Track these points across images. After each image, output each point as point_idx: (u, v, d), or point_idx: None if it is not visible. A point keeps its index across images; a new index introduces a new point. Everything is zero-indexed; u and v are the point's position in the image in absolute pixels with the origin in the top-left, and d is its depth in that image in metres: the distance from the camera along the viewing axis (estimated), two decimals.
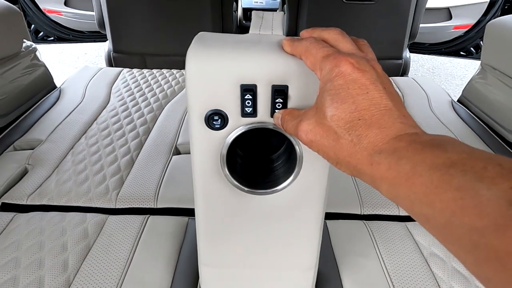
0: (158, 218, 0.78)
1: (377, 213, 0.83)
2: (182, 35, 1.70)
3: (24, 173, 0.92)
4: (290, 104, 0.38)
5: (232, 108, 0.38)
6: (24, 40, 1.26)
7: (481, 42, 2.71)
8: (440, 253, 0.71)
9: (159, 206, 0.83)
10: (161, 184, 0.87)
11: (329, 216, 0.80)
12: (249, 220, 0.48)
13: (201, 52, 0.37)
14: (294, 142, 0.40)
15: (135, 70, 1.49)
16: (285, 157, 0.45)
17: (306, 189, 0.45)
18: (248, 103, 0.37)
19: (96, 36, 2.86)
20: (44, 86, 1.32)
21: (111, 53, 1.78)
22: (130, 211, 0.81)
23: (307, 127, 0.31)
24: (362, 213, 0.83)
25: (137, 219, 0.77)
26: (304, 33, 0.36)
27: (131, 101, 1.26)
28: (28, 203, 0.82)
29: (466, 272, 0.67)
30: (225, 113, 0.38)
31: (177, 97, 1.30)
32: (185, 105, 1.25)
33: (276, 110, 0.37)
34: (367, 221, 0.79)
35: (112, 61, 1.78)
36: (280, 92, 0.36)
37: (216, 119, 0.38)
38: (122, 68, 1.50)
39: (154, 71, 1.49)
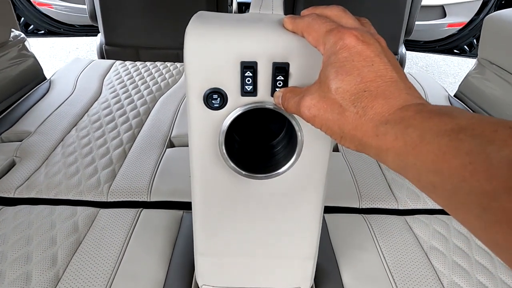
0: (151, 212, 0.76)
1: (375, 206, 0.82)
2: (176, 27, 1.66)
3: (11, 165, 0.89)
4: (291, 82, 0.37)
5: (231, 87, 0.37)
6: (12, 29, 1.22)
7: (474, 40, 2.73)
8: (440, 247, 0.70)
9: (153, 199, 0.80)
10: (154, 177, 0.85)
11: (327, 209, 0.79)
12: (247, 206, 0.47)
13: (201, 29, 0.36)
14: (294, 124, 0.38)
15: (128, 63, 1.45)
16: (285, 141, 0.44)
17: (306, 174, 0.44)
18: (248, 80, 0.36)
19: (87, 30, 2.81)
20: (34, 77, 1.28)
21: (103, 45, 1.74)
22: (123, 205, 0.79)
23: (310, 102, 0.30)
24: (360, 207, 0.81)
25: (130, 212, 0.75)
26: (305, 11, 0.35)
27: (123, 93, 1.22)
28: (16, 196, 0.79)
29: (467, 265, 0.66)
30: (224, 92, 0.37)
31: (171, 90, 1.27)
32: (180, 97, 1.22)
33: (277, 89, 0.36)
34: (366, 215, 0.78)
35: (104, 54, 1.74)
36: (281, 70, 0.35)
37: (215, 98, 0.37)
38: (115, 60, 1.46)
39: (148, 63, 1.46)
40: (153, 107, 1.16)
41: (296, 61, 0.36)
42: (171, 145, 1.00)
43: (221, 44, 0.35)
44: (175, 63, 1.47)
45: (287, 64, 0.36)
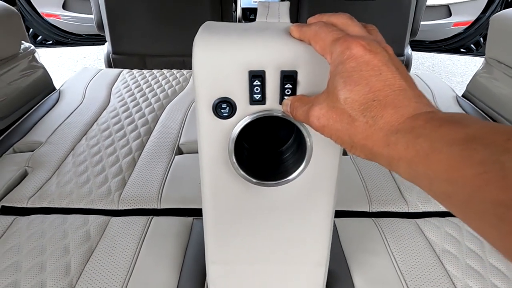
0: (162, 219, 0.76)
1: (386, 210, 0.81)
2: (182, 35, 1.68)
3: (24, 175, 0.90)
4: (299, 90, 0.37)
5: (240, 96, 0.37)
6: (23, 41, 1.24)
7: (481, 39, 2.70)
8: (452, 250, 0.69)
9: (163, 206, 0.81)
10: (164, 184, 0.86)
11: (337, 214, 0.78)
12: (258, 213, 0.47)
13: (209, 39, 0.36)
14: (303, 131, 0.38)
15: (135, 71, 1.47)
16: (294, 148, 0.44)
17: (316, 180, 0.44)
18: (257, 89, 0.36)
19: (94, 39, 2.85)
20: (43, 88, 1.30)
21: (110, 54, 1.76)
22: (133, 212, 0.80)
23: (319, 112, 0.30)
24: (370, 211, 0.81)
25: (141, 220, 0.75)
26: (311, 19, 0.35)
27: (131, 101, 1.24)
28: (29, 206, 0.80)
29: (481, 268, 0.65)
30: (233, 101, 0.37)
31: (178, 97, 1.28)
32: (187, 104, 1.23)
33: (285, 97, 0.36)
34: (376, 219, 0.77)
35: (111, 63, 1.77)
36: (289, 78, 0.36)
37: (224, 107, 0.37)
38: (122, 69, 1.48)
39: (154, 71, 1.47)
40: (161, 115, 1.17)
41: (304, 69, 0.36)
42: (180, 152, 1.01)
43: (229, 54, 0.35)
44: (182, 70, 1.48)
45: (295, 72, 0.36)
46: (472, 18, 2.68)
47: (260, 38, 0.36)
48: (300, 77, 0.36)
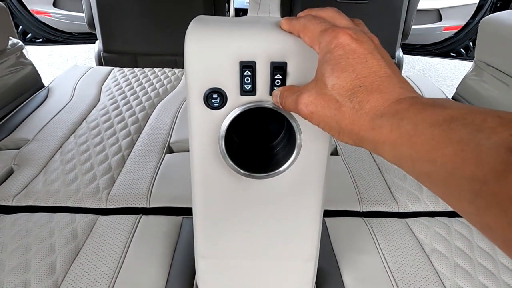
0: (151, 218, 0.75)
1: (376, 209, 0.81)
2: (174, 34, 1.67)
3: (9, 173, 0.88)
4: (289, 81, 0.38)
5: (231, 86, 0.38)
6: (10, 37, 1.22)
7: (470, 43, 2.74)
8: (442, 249, 0.69)
9: (152, 205, 0.79)
10: (153, 183, 0.84)
11: (327, 213, 0.78)
12: (248, 206, 0.47)
13: (200, 30, 0.37)
14: (292, 122, 0.39)
15: (126, 69, 1.45)
16: (284, 142, 0.44)
17: (306, 172, 0.44)
18: (247, 80, 0.37)
19: (85, 38, 2.81)
20: (32, 85, 1.28)
21: (102, 53, 1.74)
22: (122, 211, 0.78)
23: (307, 99, 0.31)
24: (361, 210, 0.81)
25: (129, 219, 0.74)
26: (301, 13, 0.37)
27: (122, 99, 1.22)
28: (14, 204, 0.78)
29: (470, 267, 0.66)
30: (224, 91, 0.38)
31: (169, 96, 1.27)
32: (178, 103, 1.22)
33: (275, 88, 0.37)
34: (367, 218, 0.77)
35: (102, 61, 1.74)
36: (279, 69, 0.36)
37: (215, 98, 0.38)
38: (113, 67, 1.47)
39: (146, 70, 1.46)
40: (151, 113, 1.16)
41: (294, 60, 0.37)
42: (170, 150, 1.00)
43: (220, 45, 0.36)
44: (173, 69, 1.47)
45: (285, 64, 0.37)
46: (462, 22, 2.72)
47: (251, 30, 0.37)
48: (289, 68, 0.37)
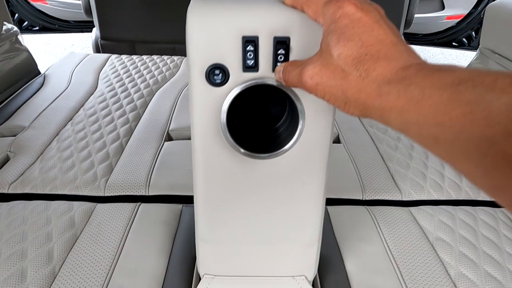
0: (149, 206, 0.74)
1: (379, 198, 0.80)
2: (173, 21, 1.64)
3: (5, 160, 0.87)
4: (292, 57, 0.37)
5: (233, 62, 0.37)
6: (5, 23, 1.19)
7: (473, 33, 2.71)
8: (446, 238, 0.68)
9: (151, 193, 0.78)
10: (152, 170, 0.83)
11: (330, 202, 0.77)
12: (250, 188, 0.46)
13: (203, 5, 0.36)
14: (295, 101, 0.38)
15: (124, 56, 1.43)
16: (287, 122, 0.43)
17: (309, 152, 0.44)
18: (250, 55, 0.36)
19: (82, 26, 2.77)
20: (28, 71, 1.25)
21: (99, 40, 1.71)
22: (120, 199, 0.77)
23: (312, 70, 0.31)
24: (364, 199, 0.80)
25: (128, 207, 0.73)
26: None
27: (120, 86, 1.20)
28: (10, 191, 0.77)
29: (474, 256, 0.65)
30: (226, 67, 0.37)
31: (168, 83, 1.25)
32: (177, 90, 1.20)
33: (278, 64, 0.37)
34: (370, 207, 0.76)
35: (99, 49, 1.71)
36: (282, 44, 0.36)
37: (217, 74, 0.37)
38: (110, 54, 1.44)
39: (144, 57, 1.43)
40: (150, 101, 1.14)
41: (297, 35, 0.36)
42: (169, 138, 0.98)
43: (222, 19, 0.35)
44: (172, 57, 1.44)
45: (288, 39, 0.36)
46: (465, 11, 2.68)
47: (254, 4, 0.36)
48: (293, 44, 0.36)
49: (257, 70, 0.37)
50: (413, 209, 0.76)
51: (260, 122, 0.44)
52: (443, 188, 0.82)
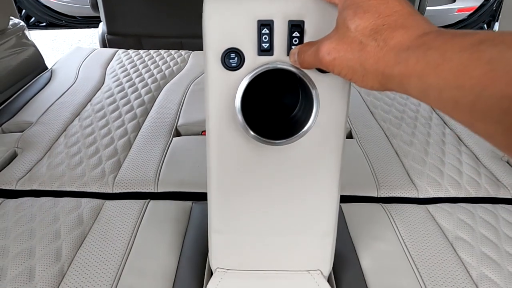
0: (159, 203, 0.72)
1: (394, 195, 0.77)
2: (180, 16, 1.61)
3: (13, 156, 0.86)
4: (306, 40, 0.38)
5: (249, 46, 0.38)
6: (11, 17, 1.17)
7: (485, 26, 2.65)
8: (466, 237, 0.65)
9: (160, 190, 0.76)
10: (161, 167, 0.81)
11: (343, 199, 0.74)
12: (264, 176, 0.46)
13: None
14: (309, 84, 0.39)
15: (130, 51, 1.41)
16: (301, 109, 0.43)
17: (324, 137, 0.44)
18: (265, 38, 0.37)
19: (89, 22, 2.77)
20: (35, 67, 1.24)
21: (105, 35, 1.69)
22: (129, 196, 0.75)
23: (329, 45, 0.31)
24: (378, 196, 0.77)
25: (137, 204, 0.71)
26: None
27: (127, 81, 1.18)
28: (18, 188, 0.76)
29: (497, 257, 0.62)
30: (241, 51, 0.38)
31: (176, 78, 1.23)
32: (185, 85, 1.18)
33: (293, 47, 0.37)
34: (385, 204, 0.74)
35: (106, 44, 1.70)
36: (296, 27, 0.37)
37: (232, 57, 0.38)
38: (117, 49, 1.42)
39: (151, 51, 1.41)
40: (158, 96, 1.12)
41: (311, 19, 0.37)
42: (178, 134, 0.97)
43: (238, 4, 0.37)
44: (180, 51, 1.42)
45: (302, 22, 0.37)
46: (477, 3, 2.62)
47: None
48: (307, 27, 0.37)
49: (272, 54, 0.38)
50: (430, 206, 0.73)
51: (274, 111, 0.44)
52: (461, 185, 0.79)
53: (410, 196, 0.77)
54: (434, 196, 0.77)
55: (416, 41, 0.26)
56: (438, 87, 0.24)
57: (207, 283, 0.54)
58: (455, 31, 0.25)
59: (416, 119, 1.03)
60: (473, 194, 0.78)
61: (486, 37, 0.22)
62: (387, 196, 0.77)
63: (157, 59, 1.36)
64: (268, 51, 0.38)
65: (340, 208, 0.72)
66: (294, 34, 0.37)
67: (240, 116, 0.39)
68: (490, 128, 0.22)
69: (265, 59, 0.38)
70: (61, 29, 2.94)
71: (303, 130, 0.40)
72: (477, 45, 0.22)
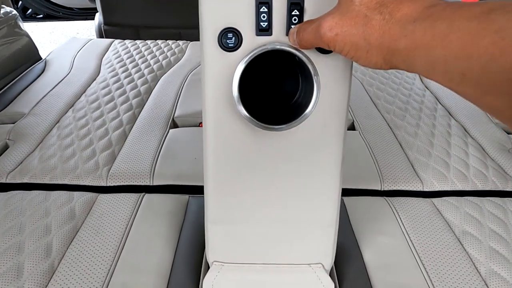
0: (154, 196, 0.70)
1: (399, 188, 0.75)
2: (178, 6, 1.57)
3: (4, 148, 0.83)
4: (307, 19, 0.36)
5: (246, 25, 0.37)
6: (3, 5, 1.14)
7: None
8: (474, 232, 0.63)
9: (156, 183, 0.74)
10: (157, 159, 0.78)
11: (346, 192, 0.72)
12: (263, 163, 0.44)
13: None
14: (309, 65, 0.37)
15: (127, 41, 1.37)
16: (302, 94, 0.41)
17: (325, 122, 0.42)
18: (264, 16, 0.36)
19: (87, 14, 2.72)
20: (28, 57, 1.21)
21: (102, 25, 1.66)
22: (123, 189, 0.73)
23: (331, 21, 0.29)
24: (382, 189, 0.74)
25: (131, 197, 0.69)
26: None
27: (123, 72, 1.15)
28: (8, 181, 0.73)
29: (507, 252, 0.59)
30: (239, 31, 0.37)
31: (173, 69, 1.20)
32: (183, 76, 1.15)
33: (292, 26, 0.36)
34: (389, 198, 0.71)
35: (103, 34, 1.66)
36: (296, 5, 0.35)
37: (230, 37, 0.37)
38: (113, 39, 1.39)
39: (148, 42, 1.38)
40: (154, 86, 1.09)
41: None
42: (175, 125, 0.94)
43: None
44: (177, 41, 1.39)
45: (302, 0, 0.36)
46: None
47: None
48: (307, 5, 0.36)
49: (270, 34, 0.36)
50: (436, 200, 0.70)
51: (274, 96, 0.42)
52: (468, 178, 0.76)
53: (414, 189, 0.75)
54: (440, 189, 0.75)
55: (423, 12, 0.25)
56: (444, 59, 0.23)
57: (203, 278, 0.51)
58: (462, 2, 0.24)
59: (420, 110, 1.00)
60: (480, 187, 0.75)
61: (497, 5, 0.21)
62: (391, 189, 0.74)
63: (154, 49, 1.32)
64: (267, 31, 0.36)
65: (343, 201, 0.69)
66: (293, 13, 0.35)
67: (237, 100, 0.38)
68: (498, 101, 0.21)
69: (263, 39, 0.37)
70: (58, 21, 2.90)
71: (303, 115, 0.38)
72: (486, 13, 0.21)
